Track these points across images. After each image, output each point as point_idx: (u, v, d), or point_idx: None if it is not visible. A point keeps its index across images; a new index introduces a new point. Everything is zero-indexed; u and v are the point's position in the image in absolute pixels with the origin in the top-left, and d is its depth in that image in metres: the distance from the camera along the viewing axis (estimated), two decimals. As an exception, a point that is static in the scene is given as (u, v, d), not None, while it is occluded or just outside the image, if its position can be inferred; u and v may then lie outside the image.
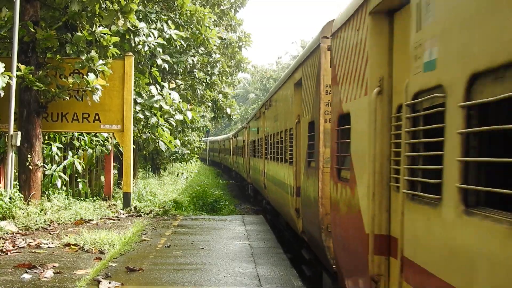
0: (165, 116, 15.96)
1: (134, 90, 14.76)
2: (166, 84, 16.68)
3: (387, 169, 4.36)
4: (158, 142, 16.03)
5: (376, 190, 4.43)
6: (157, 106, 15.50)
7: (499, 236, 2.51)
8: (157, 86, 16.14)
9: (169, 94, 15.91)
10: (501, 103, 2.59)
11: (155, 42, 14.75)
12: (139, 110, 15.43)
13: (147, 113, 15.56)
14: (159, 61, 16.06)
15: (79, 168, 14.92)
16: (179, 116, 16.10)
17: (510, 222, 2.43)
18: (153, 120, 15.52)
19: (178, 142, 17.84)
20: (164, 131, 15.92)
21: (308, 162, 8.34)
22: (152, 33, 14.74)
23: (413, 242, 3.73)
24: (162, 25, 15.83)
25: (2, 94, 10.81)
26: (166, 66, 16.51)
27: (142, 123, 15.79)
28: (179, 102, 16.25)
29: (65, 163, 14.78)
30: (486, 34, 2.70)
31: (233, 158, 37.15)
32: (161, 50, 15.34)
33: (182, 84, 20.29)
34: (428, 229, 3.41)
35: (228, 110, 24.21)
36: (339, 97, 5.93)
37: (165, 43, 15.42)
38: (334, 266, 6.58)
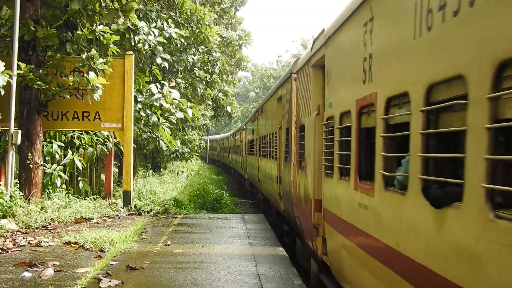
0: (166, 114, 15.95)
1: (134, 88, 14.75)
2: (166, 83, 16.66)
3: (322, 160, 7.04)
4: (158, 141, 16.03)
5: (316, 173, 7.39)
6: (157, 104, 15.50)
7: (345, 188, 5.59)
8: (157, 84, 16.13)
9: (170, 92, 15.91)
10: (345, 127, 5.68)
11: (155, 41, 14.76)
12: (139, 109, 15.43)
13: (148, 111, 15.56)
14: (159, 60, 16.06)
15: (80, 166, 14.91)
16: (179, 114, 16.10)
17: (347, 180, 5.45)
18: (154, 118, 15.52)
19: (178, 142, 17.88)
20: (164, 130, 15.91)
21: (285, 158, 11.00)
22: (152, 31, 14.74)
23: (326, 198, 6.76)
24: (162, 24, 15.82)
25: (3, 92, 10.80)
26: (166, 64, 16.51)
27: (142, 121, 15.78)
28: (180, 99, 16.23)
29: (65, 160, 14.77)
30: (341, 96, 5.95)
31: (232, 156, 37.52)
32: (161, 49, 15.35)
33: (182, 83, 20.28)
34: (330, 189, 6.49)
35: (229, 109, 24.21)
36: (300, 113, 9.12)
37: (165, 41, 15.41)
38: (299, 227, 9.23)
